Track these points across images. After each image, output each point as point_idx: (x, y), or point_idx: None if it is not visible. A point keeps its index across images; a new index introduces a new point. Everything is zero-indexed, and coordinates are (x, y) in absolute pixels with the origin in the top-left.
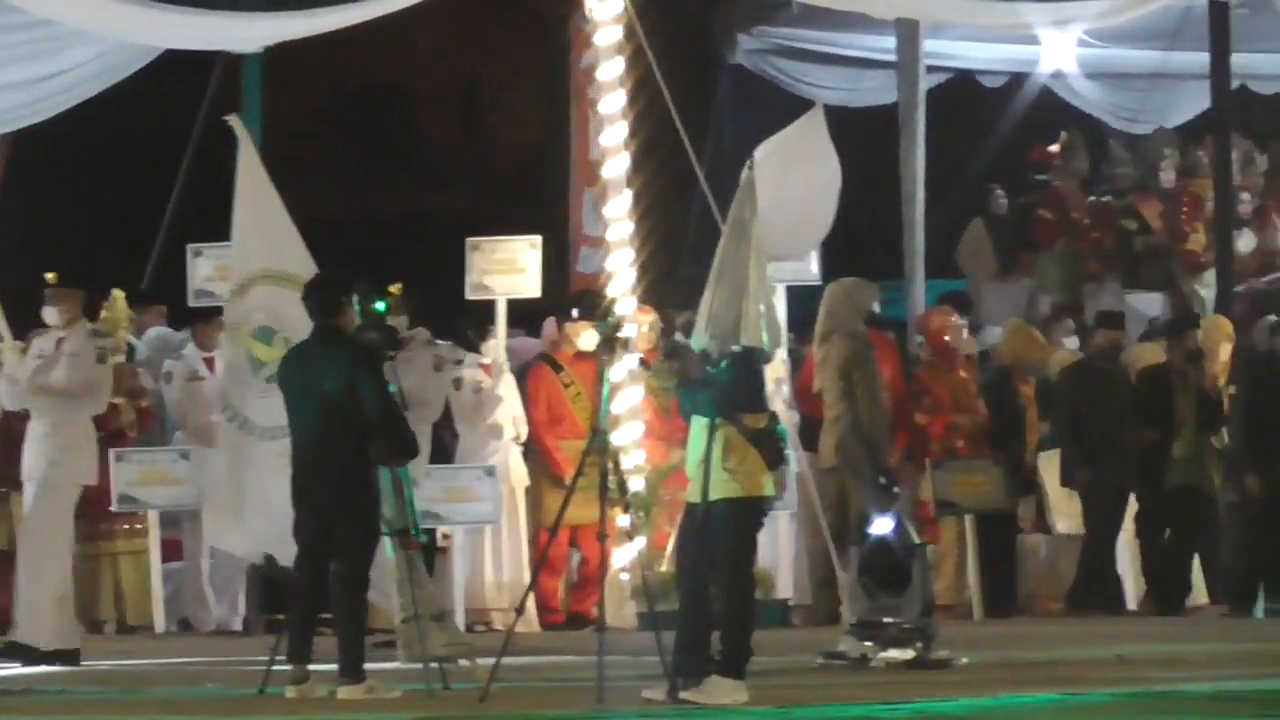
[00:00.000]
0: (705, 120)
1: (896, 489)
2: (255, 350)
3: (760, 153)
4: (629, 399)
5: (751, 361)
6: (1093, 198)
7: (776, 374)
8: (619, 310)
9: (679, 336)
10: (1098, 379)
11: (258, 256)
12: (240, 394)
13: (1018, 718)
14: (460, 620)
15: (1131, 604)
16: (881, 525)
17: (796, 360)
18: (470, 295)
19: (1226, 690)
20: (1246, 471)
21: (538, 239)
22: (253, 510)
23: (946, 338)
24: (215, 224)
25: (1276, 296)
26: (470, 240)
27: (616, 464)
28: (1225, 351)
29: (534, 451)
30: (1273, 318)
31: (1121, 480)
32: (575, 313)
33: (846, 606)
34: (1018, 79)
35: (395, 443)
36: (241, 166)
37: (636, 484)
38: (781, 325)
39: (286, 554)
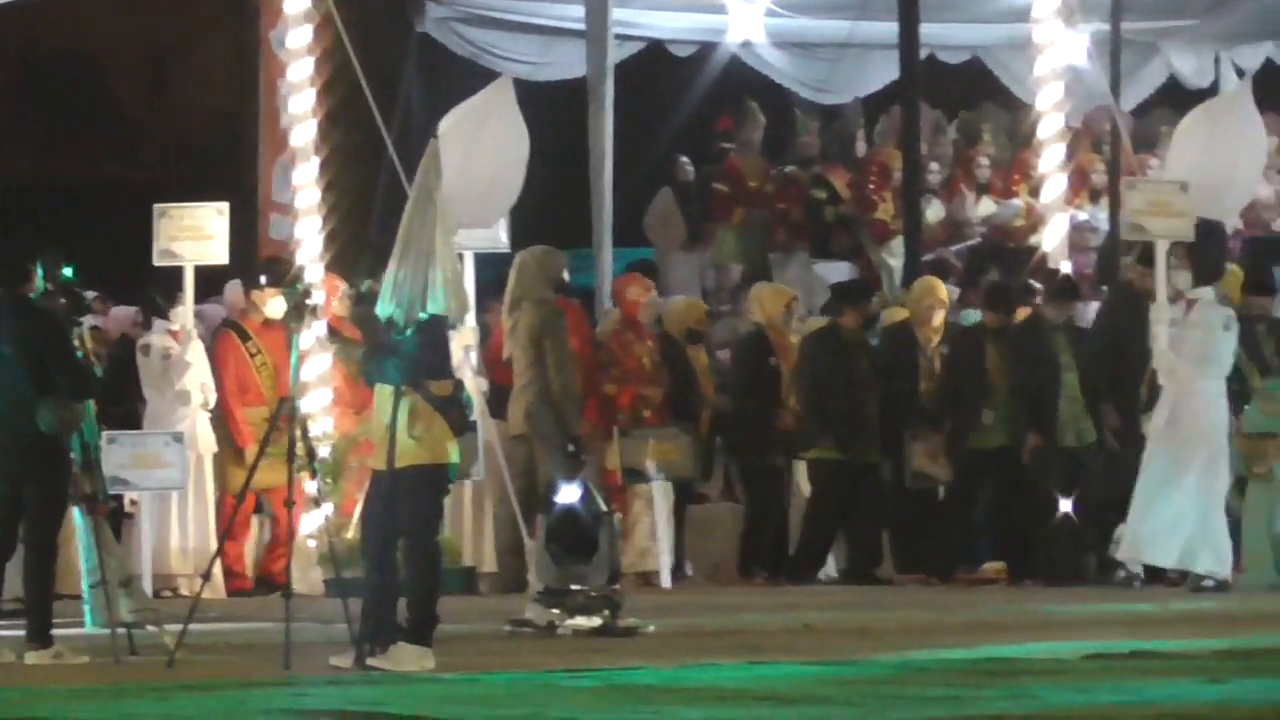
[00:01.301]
0: (394, 88)
1: (584, 457)
2: None
3: (447, 121)
4: (317, 366)
5: (437, 329)
6: (789, 167)
7: (465, 341)
8: (307, 277)
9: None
10: (844, 349)
11: None
12: None
13: (703, 686)
14: (147, 586)
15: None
16: (569, 493)
17: (485, 328)
18: (158, 262)
19: (912, 660)
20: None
21: (225, 206)
22: None
23: (641, 307)
24: None
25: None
26: (158, 206)
27: (304, 431)
28: (939, 317)
29: (220, 419)
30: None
31: (855, 453)
32: (263, 280)
33: (534, 574)
34: (707, 48)
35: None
36: None
37: (324, 451)
38: (468, 293)
39: None
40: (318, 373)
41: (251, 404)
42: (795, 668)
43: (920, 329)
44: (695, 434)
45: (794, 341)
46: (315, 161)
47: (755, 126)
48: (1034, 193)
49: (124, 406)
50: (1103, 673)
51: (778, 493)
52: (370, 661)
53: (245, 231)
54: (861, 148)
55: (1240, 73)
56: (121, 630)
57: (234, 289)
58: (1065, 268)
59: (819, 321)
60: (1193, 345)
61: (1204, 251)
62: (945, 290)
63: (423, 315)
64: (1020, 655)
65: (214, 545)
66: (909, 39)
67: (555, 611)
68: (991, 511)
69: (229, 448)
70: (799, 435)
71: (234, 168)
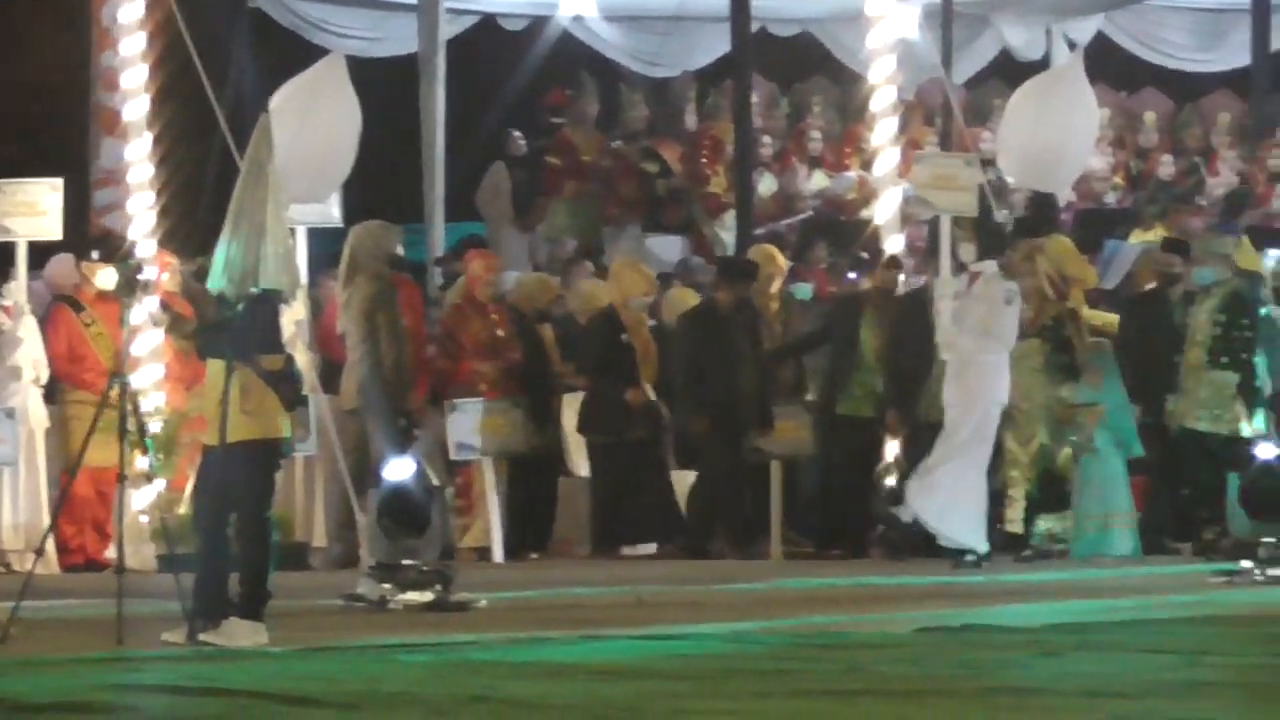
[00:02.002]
0: (227, 64)
1: (417, 431)
2: None
3: (279, 96)
4: (149, 341)
5: (269, 304)
6: (616, 142)
7: (297, 316)
8: (139, 253)
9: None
10: (722, 325)
11: None
12: None
13: (536, 660)
14: None
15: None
16: (401, 468)
17: (318, 303)
18: None
19: (744, 633)
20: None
21: (59, 182)
22: None
23: (485, 282)
24: None
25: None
26: None
27: (136, 406)
28: (777, 284)
29: (60, 390)
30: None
31: (739, 426)
32: (95, 254)
33: (366, 549)
34: (539, 22)
35: None
36: None
37: (156, 427)
38: (300, 267)
39: None
40: (150, 348)
41: (89, 374)
42: (628, 641)
43: (759, 297)
44: (546, 410)
45: (642, 318)
46: (147, 137)
47: (590, 100)
48: (866, 166)
49: None
50: (936, 646)
51: (635, 468)
52: (203, 637)
53: (77, 207)
54: (691, 121)
55: (1071, 45)
56: None
57: (57, 263)
58: (898, 241)
59: (680, 295)
60: (975, 319)
61: (991, 225)
62: (783, 258)
63: (254, 290)
64: (853, 629)
65: (46, 521)
66: (740, 12)
67: (387, 586)
68: (839, 482)
69: (74, 418)
70: (675, 413)
71: (66, 143)
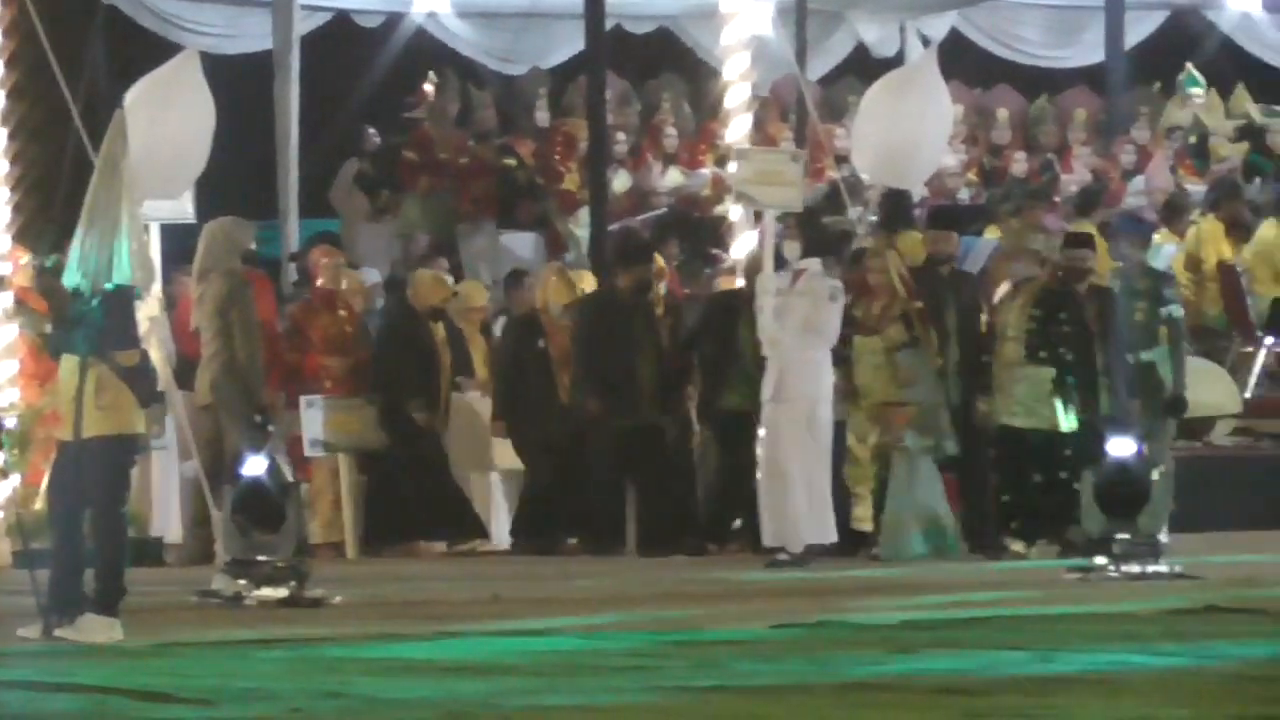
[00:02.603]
0: (81, 60)
1: (271, 427)
2: None
3: (133, 92)
4: (3, 337)
5: (123, 299)
6: (470, 141)
7: (151, 312)
8: None
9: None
10: (619, 311)
11: None
12: None
13: (390, 657)
14: None
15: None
16: (255, 464)
17: (171, 298)
18: None
19: (597, 628)
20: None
21: None
22: None
23: (324, 267)
24: None
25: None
26: None
27: None
28: (661, 286)
29: None
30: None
31: (637, 413)
32: None
33: (220, 545)
34: (393, 19)
35: None
36: None
37: (10, 422)
38: (154, 263)
39: None
40: (3, 344)
41: None
42: (483, 639)
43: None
44: (436, 407)
45: (564, 325)
46: (1, 134)
47: (452, 97)
48: (721, 163)
49: None
50: (790, 643)
51: (555, 467)
52: (58, 632)
53: None
54: (542, 117)
55: (926, 42)
56: None
57: None
58: (752, 238)
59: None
60: (798, 316)
61: (814, 224)
62: (663, 260)
63: (109, 286)
64: (708, 625)
65: None
66: (595, 9)
67: (242, 582)
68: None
69: None
70: (572, 398)
71: None
